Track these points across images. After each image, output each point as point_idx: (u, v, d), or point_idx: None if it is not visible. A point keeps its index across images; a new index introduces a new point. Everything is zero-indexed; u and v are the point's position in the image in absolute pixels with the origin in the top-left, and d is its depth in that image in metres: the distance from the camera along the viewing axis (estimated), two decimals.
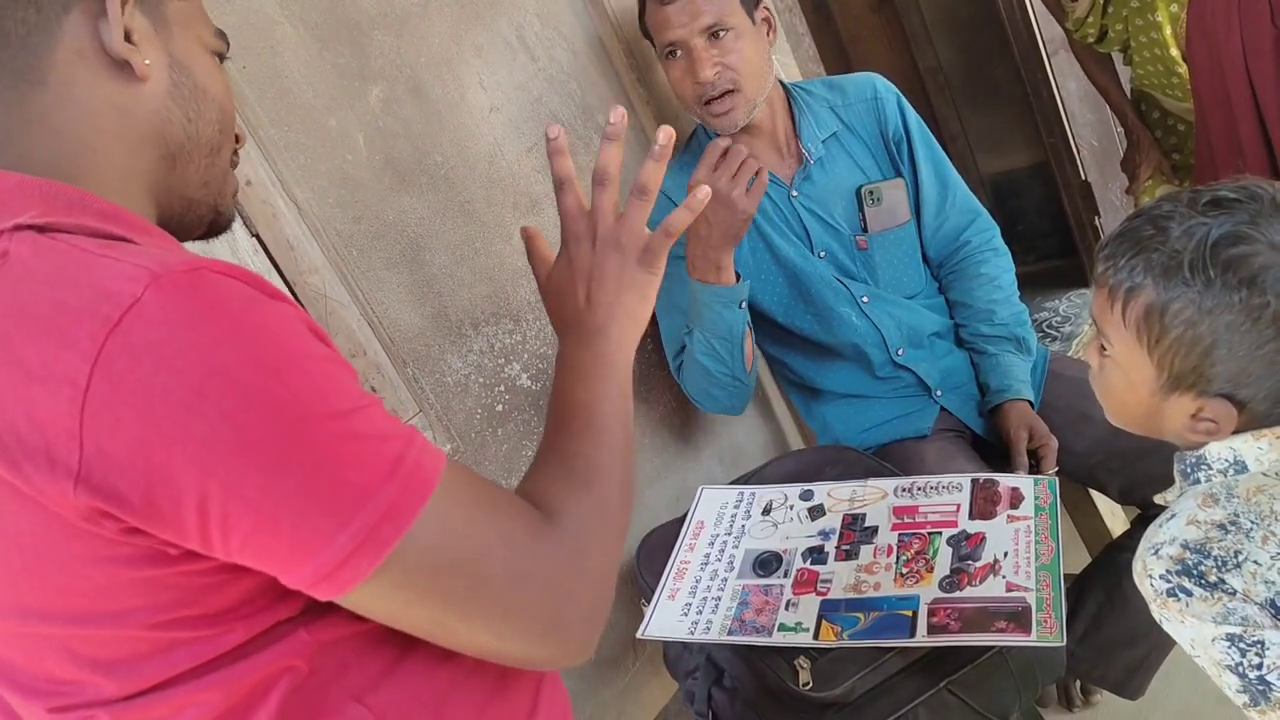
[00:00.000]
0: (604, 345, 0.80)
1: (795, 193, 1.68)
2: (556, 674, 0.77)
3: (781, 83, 1.72)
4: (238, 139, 0.79)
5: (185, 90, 0.71)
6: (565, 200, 0.86)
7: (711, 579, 1.36)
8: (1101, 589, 1.68)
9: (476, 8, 1.61)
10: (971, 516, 1.36)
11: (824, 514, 1.43)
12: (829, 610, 1.25)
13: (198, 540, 0.58)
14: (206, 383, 0.56)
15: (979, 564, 1.27)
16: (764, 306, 1.74)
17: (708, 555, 1.41)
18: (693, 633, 1.27)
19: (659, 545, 1.52)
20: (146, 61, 0.68)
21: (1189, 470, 0.91)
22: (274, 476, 0.57)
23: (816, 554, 1.35)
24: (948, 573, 1.26)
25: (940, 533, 1.34)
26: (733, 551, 1.40)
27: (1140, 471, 1.60)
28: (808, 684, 1.19)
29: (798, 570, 1.33)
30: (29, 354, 0.56)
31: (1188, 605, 0.80)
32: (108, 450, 0.55)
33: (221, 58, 0.77)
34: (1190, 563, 0.81)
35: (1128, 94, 2.43)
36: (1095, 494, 1.85)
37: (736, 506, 1.49)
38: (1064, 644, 1.16)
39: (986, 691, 1.22)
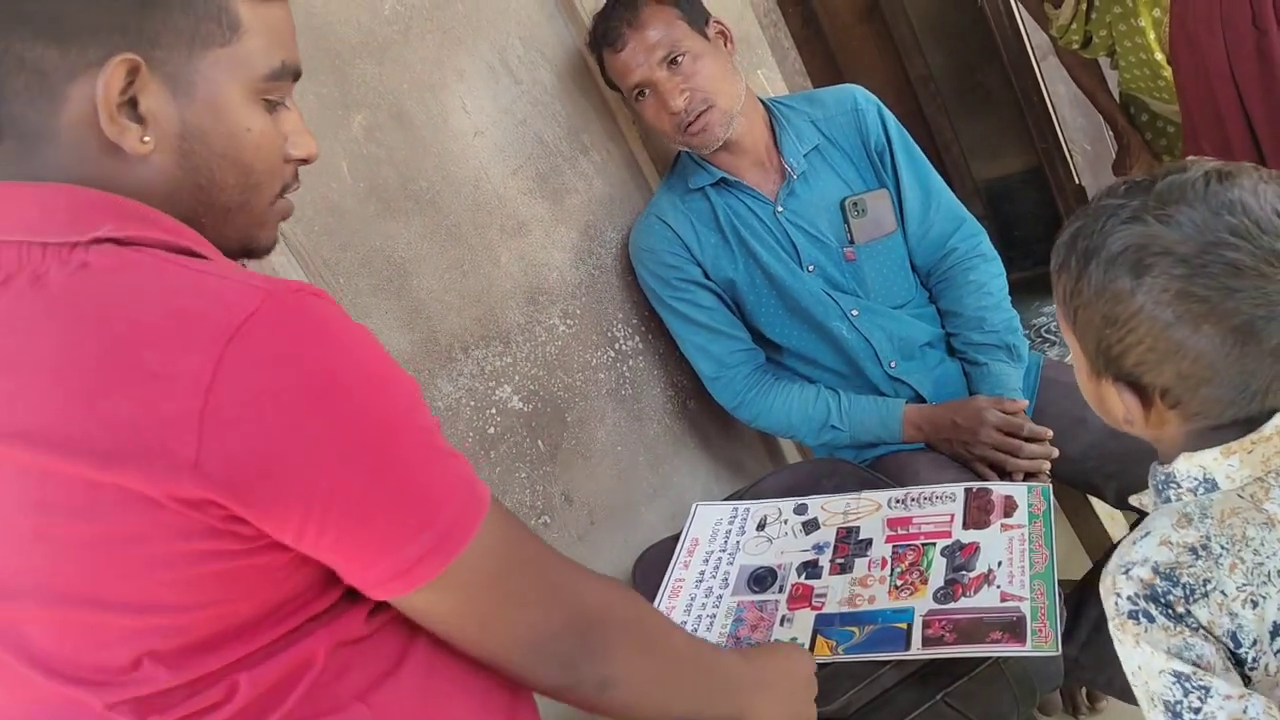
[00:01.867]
0: (739, 680, 0.92)
1: (780, 208, 1.68)
2: (531, 693, 0.80)
3: (761, 99, 1.72)
4: (305, 160, 0.80)
5: (199, 158, 0.71)
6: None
7: (706, 596, 1.36)
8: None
9: (458, 33, 1.62)
10: (965, 526, 1.35)
11: (818, 528, 1.42)
12: (824, 625, 1.25)
13: (293, 531, 0.63)
14: (320, 392, 0.62)
15: (973, 574, 1.27)
16: (757, 324, 1.75)
17: (702, 573, 1.41)
18: None
19: (655, 563, 1.51)
20: (146, 139, 0.68)
21: (1160, 487, 0.88)
22: (374, 479, 0.64)
23: (811, 568, 1.34)
24: (942, 584, 1.26)
25: (934, 544, 1.33)
26: (727, 568, 1.40)
27: (1136, 474, 1.56)
28: None
29: (792, 585, 1.32)
30: (147, 356, 0.60)
31: (1146, 631, 0.78)
32: (225, 445, 0.59)
33: (274, 104, 0.75)
34: (1159, 589, 0.78)
35: (1116, 98, 2.43)
36: (1094, 500, 1.84)
37: (731, 522, 1.49)
38: (1059, 653, 1.15)
39: (983, 703, 1.21)
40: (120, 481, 0.60)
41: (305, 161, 0.80)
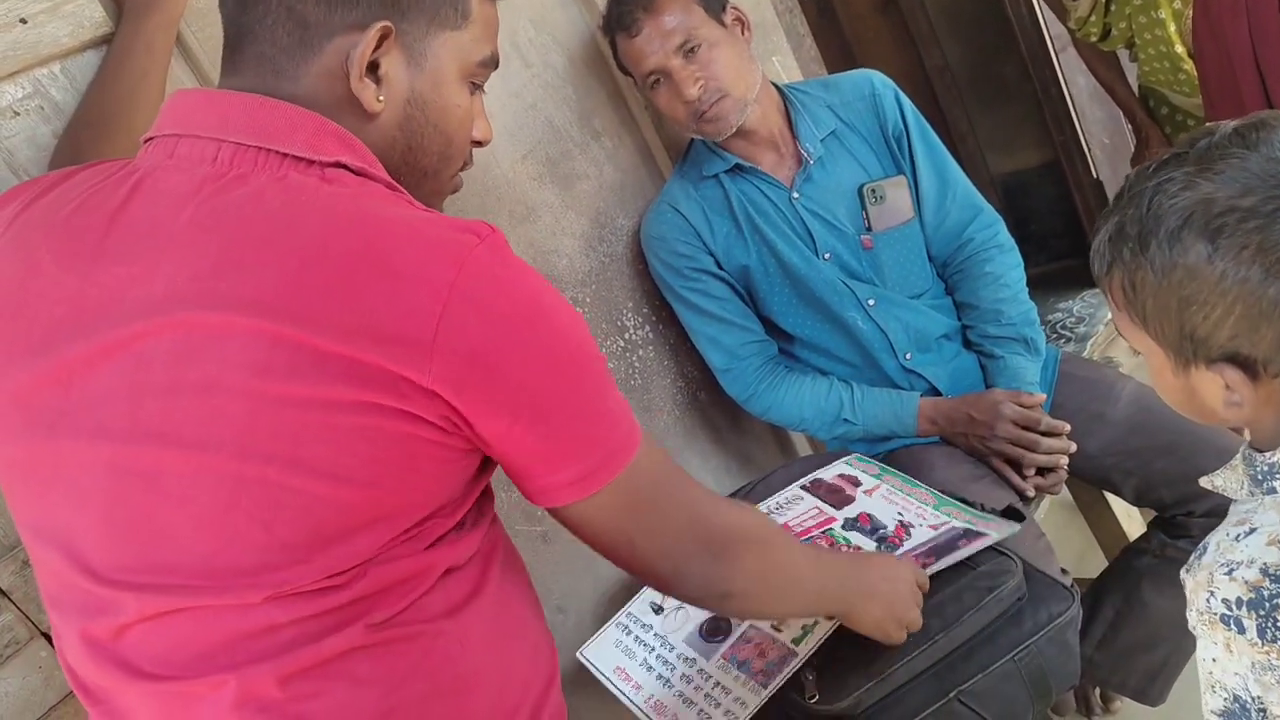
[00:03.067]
0: (859, 572, 1.09)
1: (796, 195, 1.65)
2: (551, 636, 0.88)
3: (775, 85, 1.69)
4: (479, 143, 0.90)
5: (415, 123, 0.82)
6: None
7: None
8: (1119, 593, 1.64)
9: None
10: (837, 508, 1.40)
11: None
12: None
13: (503, 427, 0.72)
14: (533, 314, 0.72)
15: (890, 530, 1.31)
16: (770, 313, 1.71)
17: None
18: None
19: None
20: (380, 99, 0.78)
21: (1262, 477, 0.82)
22: (572, 391, 0.75)
23: None
24: (875, 544, 1.30)
25: (831, 528, 1.36)
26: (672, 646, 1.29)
27: (1156, 472, 1.56)
28: (813, 697, 1.15)
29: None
30: (395, 259, 0.68)
31: (1233, 639, 0.75)
32: (458, 343, 0.68)
33: (477, 86, 0.87)
34: (1267, 593, 0.73)
35: (1135, 91, 2.39)
36: (1111, 497, 1.81)
37: None
38: (1019, 528, 1.28)
39: (997, 701, 1.18)
40: (354, 355, 0.66)
41: (481, 144, 0.90)
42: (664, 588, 0.89)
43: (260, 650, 0.70)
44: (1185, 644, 1.62)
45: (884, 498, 1.44)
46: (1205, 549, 0.80)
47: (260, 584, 0.69)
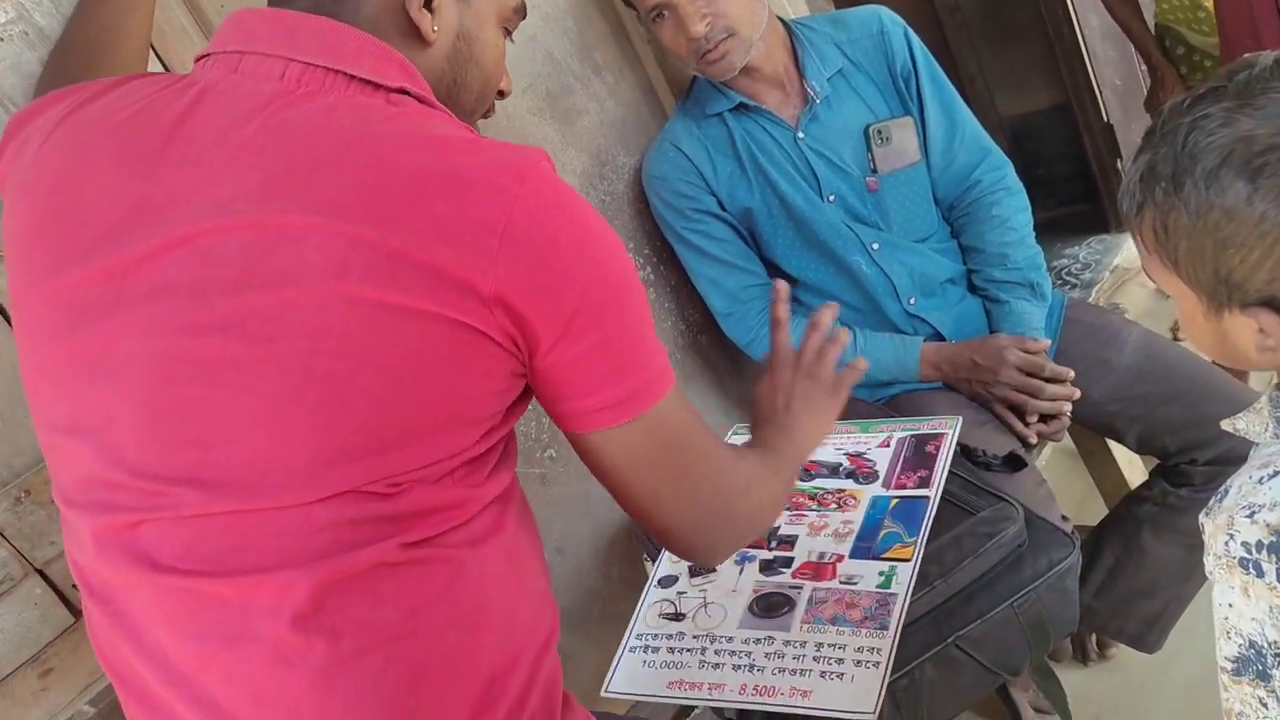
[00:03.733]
0: (794, 437, 1.04)
1: (801, 135, 1.62)
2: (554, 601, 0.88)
3: (781, 20, 1.64)
4: (501, 93, 0.93)
5: (462, 58, 0.86)
6: (778, 337, 1.13)
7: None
8: (1119, 541, 1.64)
9: None
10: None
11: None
12: (859, 554, 1.22)
13: (553, 337, 0.73)
14: (586, 234, 0.75)
15: (847, 464, 1.38)
16: (773, 256, 1.69)
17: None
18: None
19: None
20: (435, 29, 0.82)
21: None
22: (621, 312, 0.76)
23: (776, 561, 1.29)
24: (850, 481, 1.34)
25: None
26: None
27: (1160, 419, 1.55)
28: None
29: (799, 567, 1.25)
30: (464, 172, 0.71)
31: (1251, 583, 0.74)
32: (519, 252, 0.70)
33: (508, 32, 0.91)
34: None
35: (1151, 29, 2.33)
36: (1113, 444, 1.80)
37: None
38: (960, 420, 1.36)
39: (996, 647, 1.18)
40: (426, 259, 0.68)
41: (503, 94, 0.94)
42: (665, 536, 0.88)
43: (296, 554, 0.70)
44: (1183, 592, 1.62)
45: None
46: (1226, 492, 0.78)
47: (310, 483, 0.70)
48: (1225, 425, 0.87)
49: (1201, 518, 0.79)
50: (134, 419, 0.71)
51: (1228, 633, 0.77)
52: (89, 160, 0.76)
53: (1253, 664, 0.75)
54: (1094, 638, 1.82)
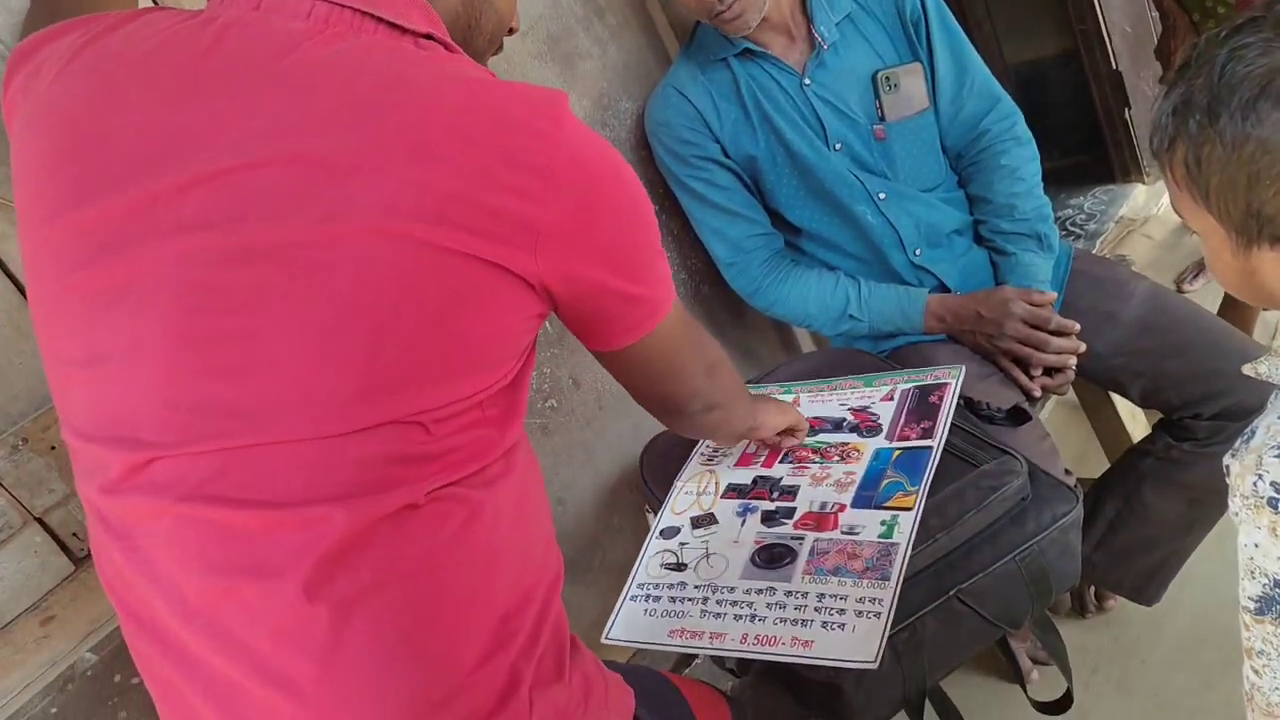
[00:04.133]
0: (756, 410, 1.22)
1: (808, 81, 1.58)
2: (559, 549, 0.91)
3: None
4: (511, 30, 0.96)
5: (479, 1, 0.88)
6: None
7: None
8: (1120, 494, 1.64)
9: None
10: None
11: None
12: (861, 504, 1.21)
13: (589, 273, 0.77)
14: (618, 168, 0.79)
15: (851, 419, 1.37)
16: (776, 205, 1.67)
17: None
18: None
19: (663, 450, 1.48)
20: None
21: None
22: (647, 236, 0.83)
23: (777, 511, 1.28)
24: (855, 436, 1.34)
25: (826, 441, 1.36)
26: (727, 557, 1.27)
27: (1165, 373, 1.54)
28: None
29: (800, 517, 1.24)
30: (503, 114, 0.72)
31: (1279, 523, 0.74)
32: (561, 197, 0.73)
33: None
34: None
35: None
36: (1116, 398, 1.79)
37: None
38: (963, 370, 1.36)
39: (997, 600, 1.18)
40: (472, 199, 0.70)
41: (512, 32, 0.96)
42: (677, 409, 1.02)
43: (326, 489, 0.70)
44: (1183, 546, 1.62)
45: (810, 401, 1.43)
46: (1254, 433, 0.78)
47: (346, 414, 0.70)
48: (1246, 370, 0.86)
49: (1227, 459, 0.79)
50: (164, 348, 0.70)
51: (1252, 572, 0.77)
52: (113, 92, 0.75)
53: (1276, 603, 0.75)
54: (1092, 590, 1.82)
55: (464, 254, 0.70)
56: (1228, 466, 0.79)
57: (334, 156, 0.69)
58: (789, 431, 1.30)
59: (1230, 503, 0.78)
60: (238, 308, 0.69)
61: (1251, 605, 0.78)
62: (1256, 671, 0.79)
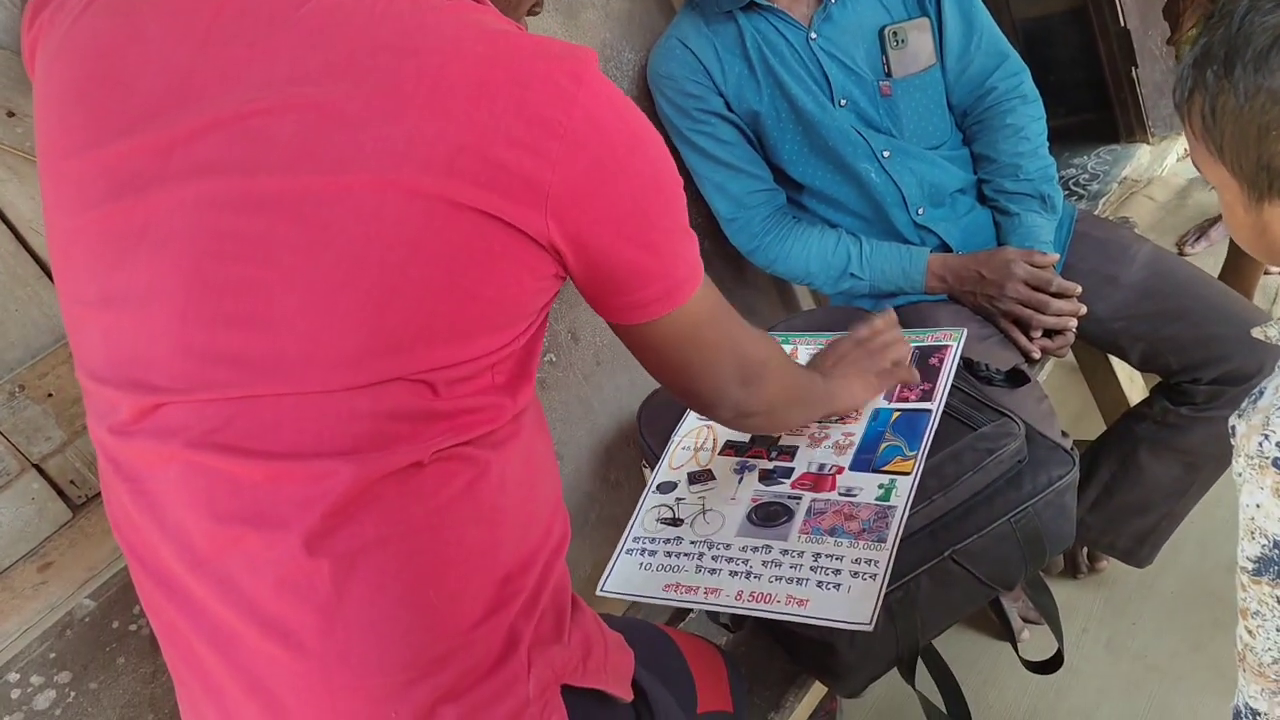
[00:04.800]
0: (829, 386, 1.21)
1: (814, 35, 1.56)
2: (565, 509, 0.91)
3: None
4: None
5: None
6: (859, 328, 1.31)
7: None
8: (1116, 457, 1.64)
9: None
10: None
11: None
12: (859, 466, 1.22)
13: (605, 238, 0.75)
14: (642, 131, 0.76)
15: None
16: (779, 161, 1.65)
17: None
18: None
19: (660, 406, 1.47)
20: None
21: None
22: (670, 206, 0.79)
23: (775, 471, 1.28)
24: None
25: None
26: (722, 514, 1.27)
27: (1165, 337, 1.54)
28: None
29: (798, 477, 1.25)
30: (524, 68, 0.70)
31: None
32: (576, 156, 0.70)
33: None
34: None
35: None
36: (1115, 361, 1.79)
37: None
38: (965, 332, 1.37)
39: (991, 561, 1.18)
40: (485, 154, 0.68)
41: None
42: (703, 408, 0.99)
43: (334, 442, 0.70)
44: (1176, 509, 1.63)
45: (809, 354, 1.41)
46: (1262, 393, 0.78)
47: (358, 368, 0.70)
48: (1256, 333, 0.87)
49: (1233, 420, 0.79)
50: (179, 292, 0.70)
51: (1252, 533, 0.77)
52: (135, 29, 0.73)
53: (1274, 564, 0.75)
54: (1085, 551, 1.84)
55: (475, 209, 0.69)
56: (1233, 427, 0.79)
57: (349, 105, 0.68)
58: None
59: (1234, 463, 0.78)
60: (250, 256, 0.69)
61: (1249, 566, 0.78)
62: (1250, 632, 0.80)
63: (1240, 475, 0.78)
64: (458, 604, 0.74)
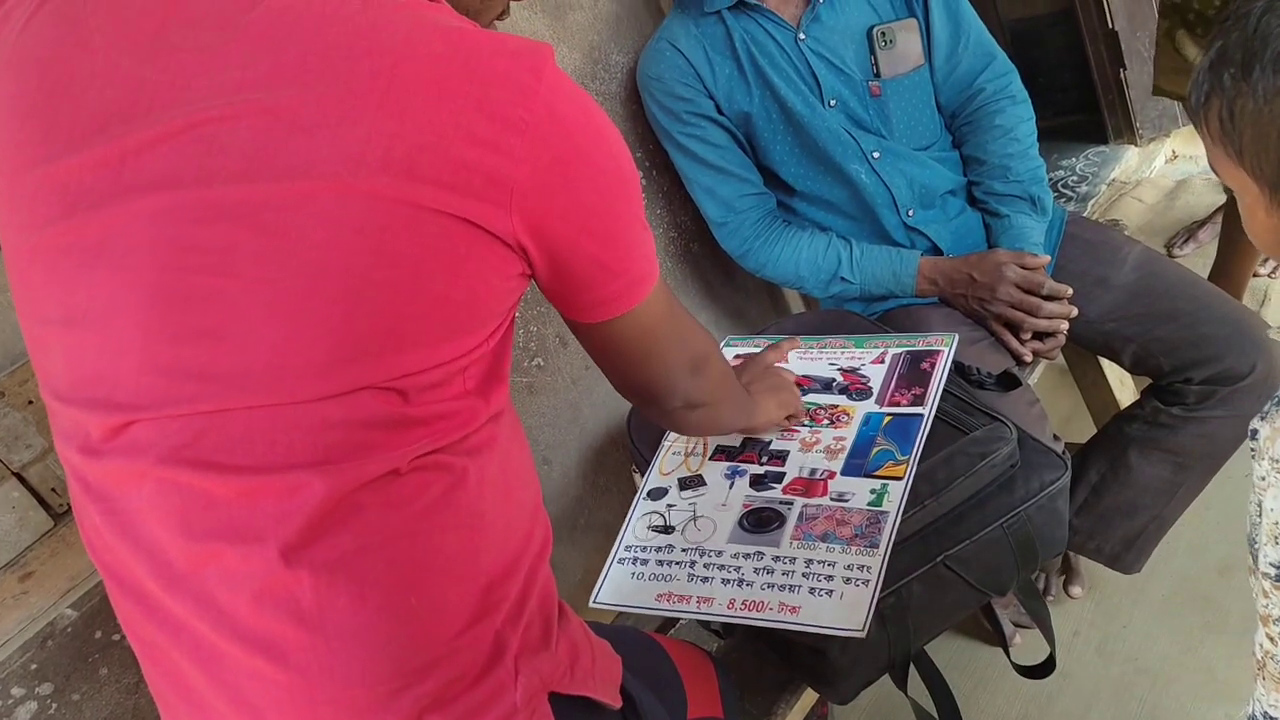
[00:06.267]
0: (753, 401, 1.21)
1: (802, 36, 1.55)
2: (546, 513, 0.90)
3: None
4: None
5: None
6: (769, 351, 1.38)
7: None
8: (1105, 459, 1.63)
9: None
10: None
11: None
12: (854, 470, 1.21)
13: (568, 235, 0.74)
14: (602, 128, 0.76)
15: (841, 380, 1.36)
16: (770, 163, 1.64)
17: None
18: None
19: None
20: None
21: None
22: (630, 204, 0.79)
23: (767, 476, 1.27)
24: (844, 398, 1.33)
25: (815, 403, 1.35)
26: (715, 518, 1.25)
27: (1156, 339, 1.54)
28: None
29: (790, 483, 1.24)
30: (483, 65, 0.69)
31: None
32: (540, 150, 0.70)
33: None
34: None
35: None
36: (1105, 365, 1.79)
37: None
38: (956, 338, 1.35)
39: (984, 566, 1.18)
40: (444, 154, 0.67)
41: None
42: (653, 401, 0.97)
43: (306, 454, 0.69)
44: (1165, 513, 1.62)
45: (799, 358, 1.43)
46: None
47: (326, 377, 0.68)
48: (1274, 334, 0.85)
49: (1255, 422, 0.77)
50: (141, 308, 0.68)
51: (1276, 538, 0.75)
52: (82, 38, 0.71)
53: None
54: (1059, 572, 1.82)
55: (438, 211, 0.68)
56: (1255, 430, 0.77)
57: (303, 109, 0.66)
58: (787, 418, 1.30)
59: (1257, 466, 0.77)
60: (211, 268, 0.67)
61: (1272, 572, 0.77)
62: (1272, 639, 0.78)
63: (1264, 479, 0.76)
64: (441, 612, 0.73)
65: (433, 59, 0.68)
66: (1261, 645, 0.80)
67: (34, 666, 1.05)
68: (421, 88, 0.67)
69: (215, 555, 0.70)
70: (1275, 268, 2.44)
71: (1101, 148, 3.13)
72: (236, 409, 0.68)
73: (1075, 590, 1.82)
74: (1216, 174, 0.83)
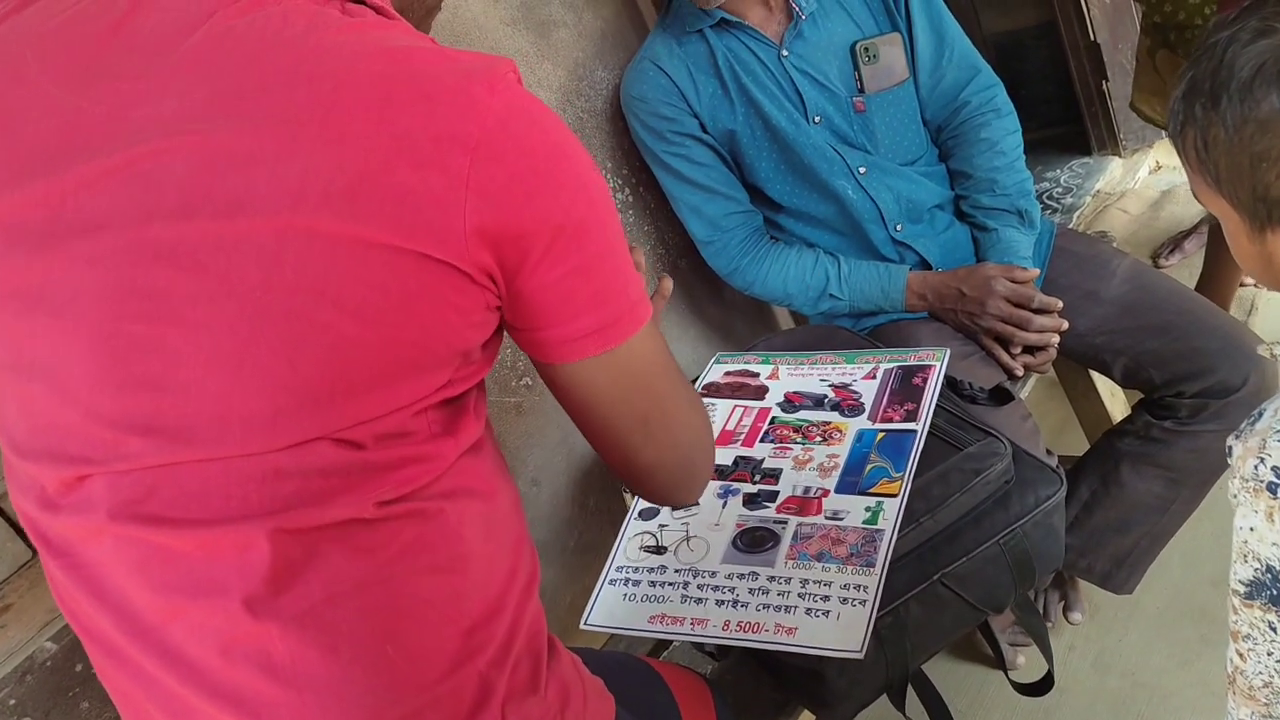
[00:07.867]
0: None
1: (785, 52, 1.55)
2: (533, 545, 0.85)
3: None
4: None
5: None
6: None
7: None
8: (1096, 475, 1.62)
9: None
10: (759, 399, 1.38)
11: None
12: (848, 489, 1.19)
13: (535, 258, 0.68)
14: (566, 145, 0.70)
15: (832, 396, 1.34)
16: (756, 180, 1.64)
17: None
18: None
19: None
20: None
21: None
22: (602, 230, 0.72)
23: (760, 495, 1.25)
24: (836, 415, 1.31)
25: (775, 417, 1.34)
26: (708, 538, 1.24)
27: (1147, 352, 1.53)
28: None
29: (783, 501, 1.22)
30: (430, 84, 0.65)
31: (1276, 509, 0.72)
32: (493, 168, 0.65)
33: None
34: None
35: None
36: (1096, 377, 1.78)
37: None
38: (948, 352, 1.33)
39: (981, 584, 1.16)
40: (387, 181, 0.63)
41: None
42: (637, 474, 0.86)
43: (262, 504, 0.66)
44: (1157, 529, 1.61)
45: (790, 374, 1.41)
46: (1261, 414, 0.77)
47: (276, 428, 0.65)
48: (1263, 351, 0.86)
49: (1230, 440, 0.78)
50: (84, 358, 0.66)
51: (1245, 556, 0.76)
52: (18, 70, 0.68)
53: (1267, 588, 0.75)
54: (1060, 605, 1.81)
55: (383, 245, 0.63)
56: (1230, 447, 0.78)
57: (238, 142, 0.63)
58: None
59: (1230, 484, 0.77)
60: (152, 314, 0.64)
61: (1241, 589, 0.77)
62: (1241, 655, 0.79)
63: (1235, 497, 0.77)
64: (420, 659, 0.70)
65: (374, 80, 0.64)
66: (1231, 660, 0.80)
67: (13, 702, 1.03)
68: (361, 113, 0.63)
69: (180, 610, 0.68)
70: None
71: (1085, 159, 3.14)
72: (187, 462, 0.65)
73: (1075, 616, 1.80)
74: (1199, 200, 0.83)
